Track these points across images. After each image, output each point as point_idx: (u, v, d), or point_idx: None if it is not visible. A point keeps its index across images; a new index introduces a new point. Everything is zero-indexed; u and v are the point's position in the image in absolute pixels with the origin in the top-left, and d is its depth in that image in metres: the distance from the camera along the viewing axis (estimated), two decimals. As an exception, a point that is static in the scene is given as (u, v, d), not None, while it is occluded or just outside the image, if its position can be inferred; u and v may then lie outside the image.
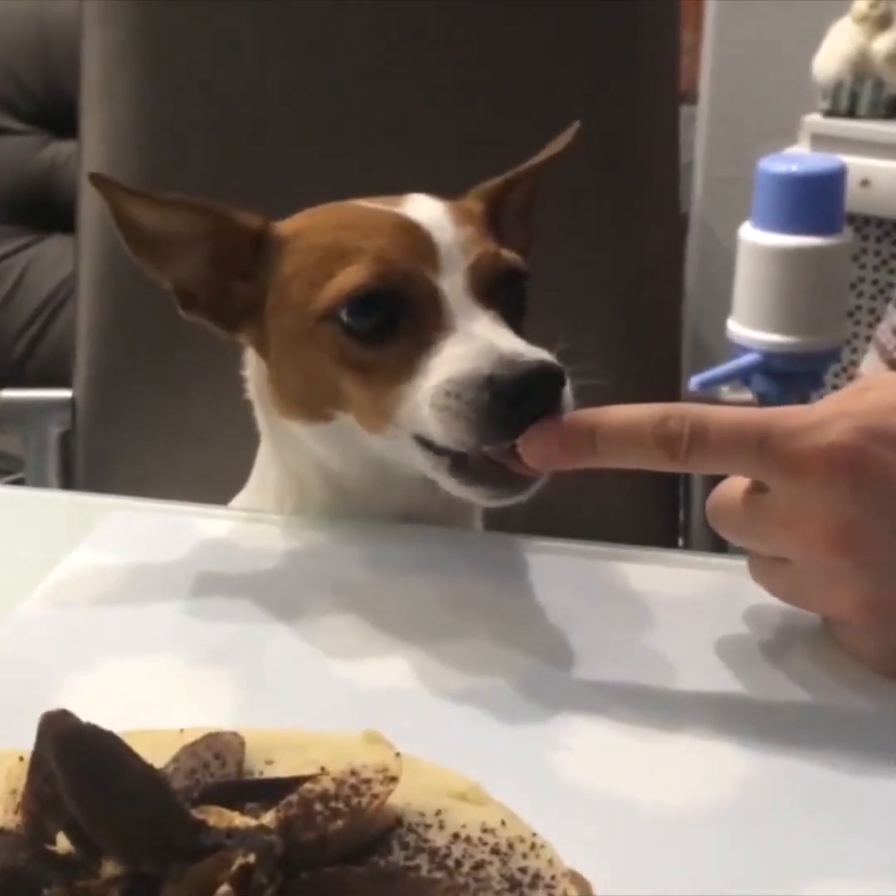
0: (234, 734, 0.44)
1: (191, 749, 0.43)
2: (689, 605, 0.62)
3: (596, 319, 1.14)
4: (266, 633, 0.60)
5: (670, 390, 1.17)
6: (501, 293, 0.67)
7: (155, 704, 0.54)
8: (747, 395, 1.29)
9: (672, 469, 0.56)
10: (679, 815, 0.47)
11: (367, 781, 0.40)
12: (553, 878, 0.38)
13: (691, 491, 1.14)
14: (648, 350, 1.17)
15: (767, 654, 0.58)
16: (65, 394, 1.14)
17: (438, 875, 0.38)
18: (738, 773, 0.49)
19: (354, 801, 0.39)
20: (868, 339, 2.22)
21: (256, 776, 0.43)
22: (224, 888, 0.35)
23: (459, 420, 0.60)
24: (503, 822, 0.41)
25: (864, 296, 2.26)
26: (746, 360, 2.00)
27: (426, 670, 0.57)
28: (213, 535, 0.70)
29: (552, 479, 0.62)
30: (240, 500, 0.81)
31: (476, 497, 0.64)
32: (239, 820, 0.38)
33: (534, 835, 0.40)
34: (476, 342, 0.62)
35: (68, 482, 1.14)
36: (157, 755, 0.41)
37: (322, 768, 0.41)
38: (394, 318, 0.65)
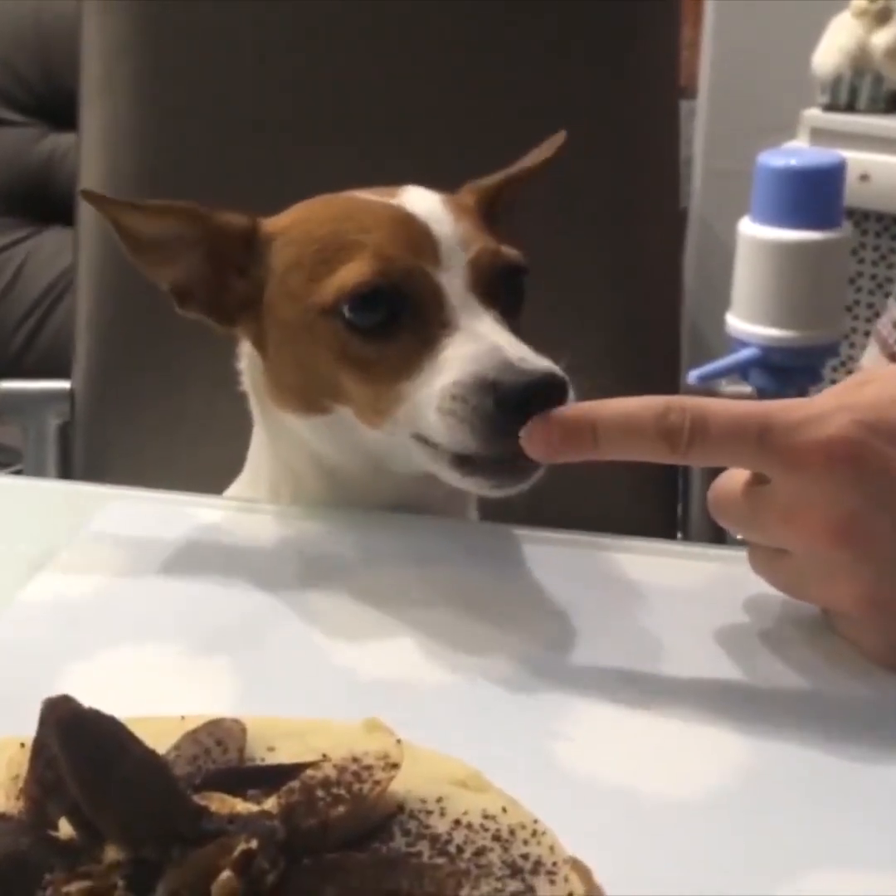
0: (236, 721, 0.44)
1: (192, 736, 0.43)
2: (688, 595, 0.62)
3: (595, 313, 1.14)
4: (265, 623, 0.60)
5: (670, 384, 1.17)
6: (502, 289, 0.67)
7: (154, 693, 0.54)
8: (746, 389, 1.29)
9: (672, 461, 0.56)
10: (678, 803, 0.47)
11: (369, 768, 0.40)
12: (554, 864, 0.38)
13: (690, 484, 1.14)
14: (648, 344, 1.17)
15: (766, 643, 0.58)
16: (63, 385, 1.14)
17: (440, 861, 0.38)
18: (737, 761, 0.50)
19: (356, 787, 0.39)
20: (867, 333, 2.22)
21: (258, 763, 0.43)
22: (226, 873, 0.35)
23: (464, 424, 0.61)
24: (504, 809, 0.41)
25: (862, 290, 2.26)
26: (745, 354, 2.00)
27: (425, 660, 0.57)
28: (211, 525, 0.70)
29: (551, 468, 0.62)
30: (232, 492, 0.81)
31: (477, 488, 0.64)
32: (241, 806, 0.38)
33: (535, 821, 0.41)
34: (481, 343, 0.62)
35: (67, 473, 1.14)
36: (158, 742, 0.41)
37: (323, 755, 0.42)
38: (396, 315, 0.65)
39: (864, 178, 2.13)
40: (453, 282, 0.65)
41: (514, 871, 0.38)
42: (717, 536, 1.04)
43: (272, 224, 0.71)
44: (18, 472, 1.28)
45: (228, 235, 0.70)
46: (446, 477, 0.65)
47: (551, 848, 0.39)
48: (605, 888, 0.40)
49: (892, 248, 2.23)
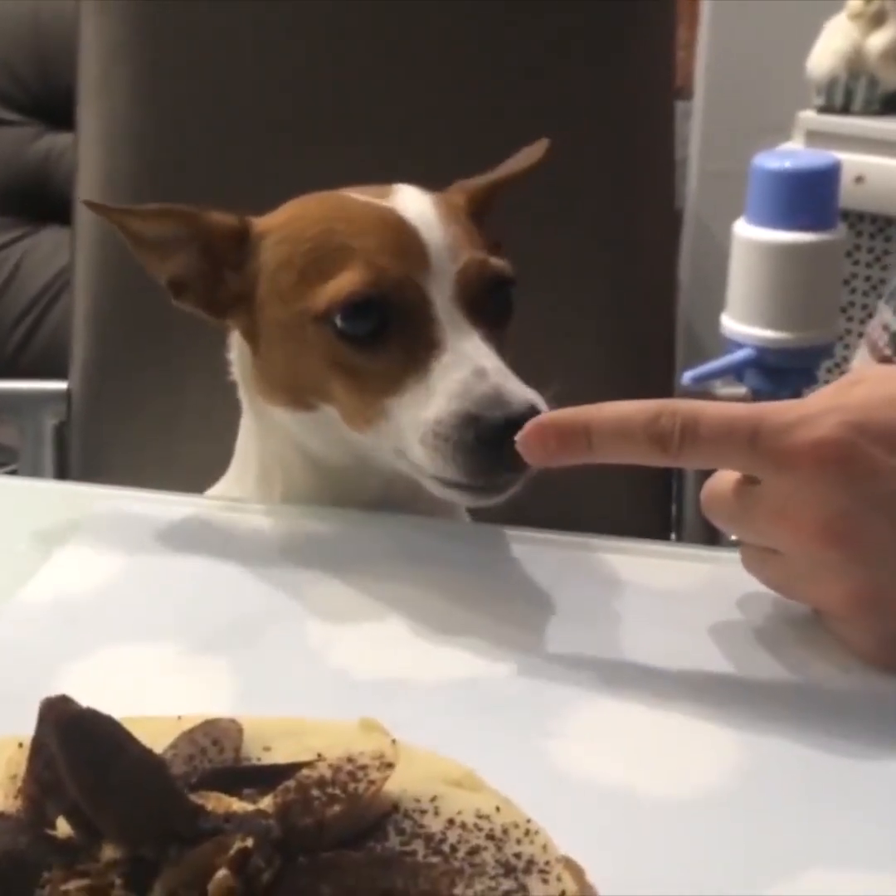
0: (232, 721, 0.45)
1: (189, 736, 0.43)
2: (682, 596, 0.62)
3: (591, 314, 1.15)
4: (262, 622, 0.60)
5: (665, 384, 1.17)
6: (489, 301, 0.68)
7: (151, 692, 0.54)
8: (741, 391, 1.29)
9: (665, 464, 0.56)
10: (674, 803, 0.47)
11: (364, 768, 0.41)
12: (547, 863, 0.39)
13: (684, 485, 1.14)
14: (643, 345, 1.18)
15: (760, 643, 0.58)
16: (60, 385, 1.15)
17: (434, 860, 0.38)
18: (732, 760, 0.50)
19: (351, 787, 0.40)
20: (861, 335, 2.22)
21: (254, 762, 0.43)
22: (222, 872, 0.36)
23: (446, 457, 0.63)
24: (498, 809, 0.41)
25: (857, 292, 2.27)
26: (740, 355, 2.00)
27: (420, 660, 0.57)
28: (208, 526, 0.70)
29: (528, 482, 0.64)
30: (220, 488, 0.81)
31: (457, 499, 0.66)
32: (237, 805, 0.39)
33: (528, 821, 0.41)
34: (463, 369, 0.63)
35: (63, 473, 1.14)
36: (155, 742, 0.41)
37: (319, 755, 0.42)
38: (386, 324, 0.66)
39: (858, 180, 2.14)
40: (441, 293, 0.66)
41: (508, 869, 0.38)
42: (711, 538, 1.05)
43: (264, 222, 0.72)
44: (14, 472, 1.28)
45: (220, 234, 0.71)
46: (427, 486, 0.66)
47: (544, 847, 0.40)
48: (600, 888, 0.40)
49: (887, 249, 2.23)
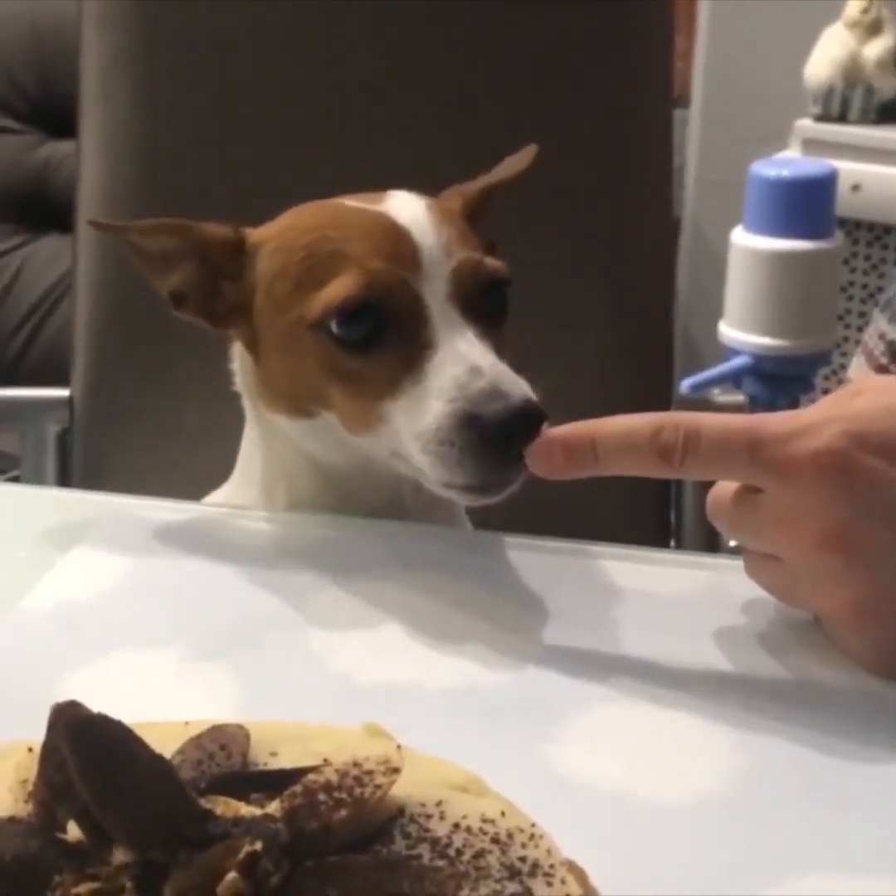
0: (239, 726, 0.45)
1: (196, 741, 0.44)
2: (681, 602, 0.63)
3: (589, 322, 1.15)
4: (263, 628, 0.60)
5: (663, 392, 1.18)
6: (484, 301, 0.68)
7: (154, 698, 0.54)
8: (739, 398, 1.30)
9: (669, 476, 0.58)
10: (673, 807, 0.48)
11: (370, 773, 0.41)
12: (551, 866, 0.39)
13: (683, 494, 1.15)
14: (641, 352, 1.18)
15: (759, 649, 0.59)
16: (62, 392, 1.15)
17: (440, 863, 0.39)
18: (731, 764, 0.50)
19: (357, 791, 0.40)
20: (858, 342, 2.22)
21: (261, 768, 0.44)
22: (231, 875, 0.36)
23: (451, 462, 0.63)
24: (503, 813, 0.42)
25: (854, 299, 2.27)
26: (737, 362, 2.01)
27: (421, 666, 0.57)
28: (210, 532, 0.71)
29: (525, 481, 0.64)
30: (223, 494, 0.82)
31: (457, 497, 0.66)
32: (245, 809, 0.39)
33: (532, 825, 0.41)
34: (458, 367, 0.64)
35: (65, 481, 1.14)
36: (163, 747, 0.41)
37: (325, 760, 0.42)
38: (381, 328, 0.66)
39: (855, 188, 2.15)
40: (435, 293, 0.66)
41: (513, 873, 0.39)
42: (710, 545, 1.05)
43: (259, 233, 0.73)
44: (15, 479, 1.28)
45: (216, 245, 0.72)
46: (428, 485, 0.67)
47: (548, 851, 0.40)
48: (603, 891, 0.40)
49: (883, 257, 2.24)
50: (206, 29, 1.11)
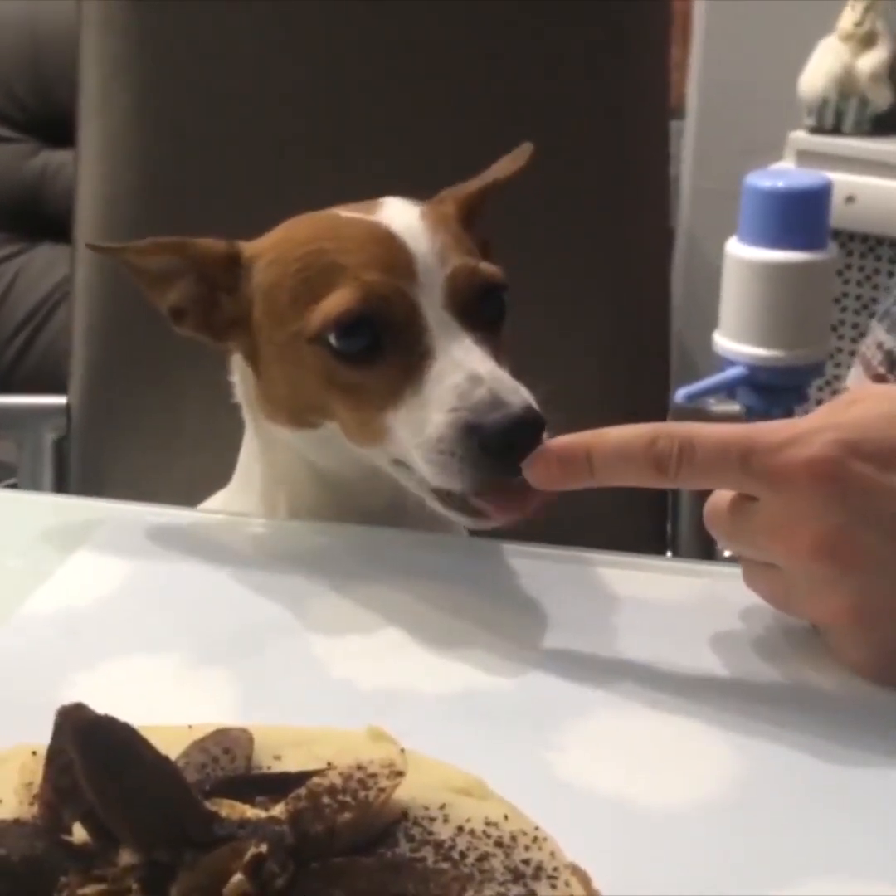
0: (243, 730, 0.45)
1: (200, 744, 0.44)
2: (680, 609, 0.63)
3: (585, 331, 1.15)
4: (264, 634, 0.61)
5: (659, 401, 1.18)
6: (481, 307, 0.68)
7: (155, 703, 0.54)
8: (735, 408, 1.30)
9: (664, 486, 0.58)
10: (673, 813, 0.48)
11: (374, 776, 0.41)
12: (555, 869, 0.39)
13: (679, 504, 1.15)
14: (637, 361, 1.18)
15: (757, 655, 0.59)
16: (59, 400, 1.15)
17: (444, 866, 0.39)
18: (730, 770, 0.51)
19: (361, 794, 0.40)
20: (852, 353, 2.24)
21: (264, 771, 0.44)
22: (237, 877, 0.36)
23: (452, 471, 0.63)
24: (506, 816, 0.42)
25: (848, 311, 2.28)
26: (732, 373, 2.02)
27: (422, 671, 0.58)
28: (209, 538, 0.71)
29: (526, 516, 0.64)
30: (220, 500, 0.82)
31: (458, 519, 0.67)
32: (250, 812, 0.39)
33: (536, 828, 0.42)
34: (457, 375, 0.64)
35: (62, 488, 1.14)
36: (167, 750, 0.41)
37: (328, 763, 0.43)
38: (379, 338, 0.66)
39: (849, 200, 2.15)
40: (432, 302, 0.67)
41: (517, 876, 0.39)
42: (706, 556, 1.06)
43: (255, 246, 0.73)
44: (13, 487, 1.28)
45: (212, 261, 0.73)
46: (430, 504, 0.67)
47: (552, 854, 0.40)
48: (603, 895, 0.41)
49: (877, 269, 2.25)
50: (206, 36, 1.12)
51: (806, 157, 2.25)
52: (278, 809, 0.40)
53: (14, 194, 2.12)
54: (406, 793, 0.42)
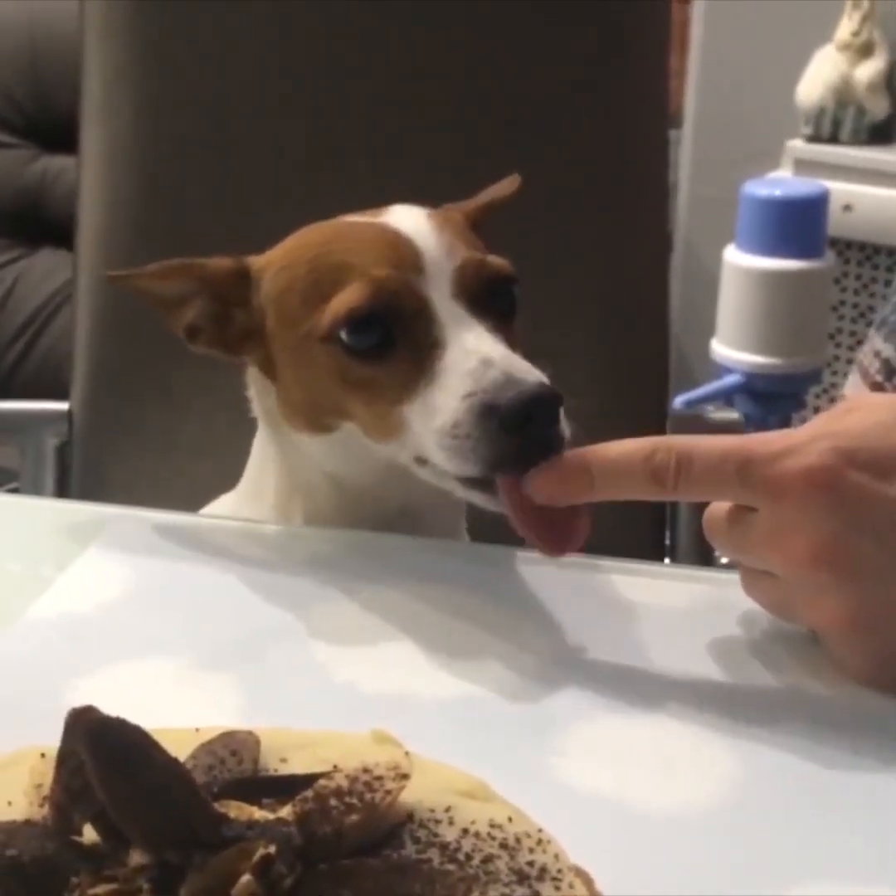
0: (249, 733, 0.46)
1: (207, 747, 0.45)
2: (680, 614, 0.64)
3: (583, 337, 1.16)
4: (268, 639, 0.61)
5: (658, 409, 1.18)
6: (490, 299, 0.69)
7: (159, 707, 0.54)
8: (733, 415, 1.31)
9: (663, 499, 0.59)
10: (673, 816, 0.48)
11: (380, 778, 0.42)
12: (559, 871, 0.40)
13: (678, 514, 1.15)
14: (636, 368, 1.19)
15: (757, 660, 0.60)
16: (61, 406, 1.15)
17: (449, 867, 0.39)
18: (730, 774, 0.51)
19: (368, 796, 0.41)
20: (849, 361, 2.25)
21: (271, 773, 0.44)
22: (246, 877, 0.37)
23: (468, 454, 0.63)
24: (510, 819, 0.42)
25: (845, 319, 2.29)
26: (729, 380, 2.02)
27: (426, 675, 0.58)
28: (213, 543, 0.71)
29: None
30: (225, 505, 0.82)
31: (481, 501, 0.66)
32: (258, 814, 0.40)
33: (540, 830, 0.42)
34: (469, 361, 0.64)
35: (64, 494, 1.14)
36: (174, 753, 0.41)
37: (335, 766, 0.43)
38: (390, 333, 0.67)
39: (846, 208, 2.16)
40: (441, 294, 0.67)
41: (521, 877, 0.39)
42: (705, 566, 1.06)
43: (264, 258, 0.74)
44: (15, 491, 1.28)
45: (222, 278, 0.73)
46: (451, 488, 0.67)
47: (556, 856, 0.41)
48: (604, 897, 0.41)
49: (874, 277, 2.26)
50: (208, 43, 1.12)
51: (803, 165, 2.26)
52: (286, 811, 0.40)
53: (14, 199, 2.13)
54: (411, 795, 0.42)
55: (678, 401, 1.86)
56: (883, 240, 2.21)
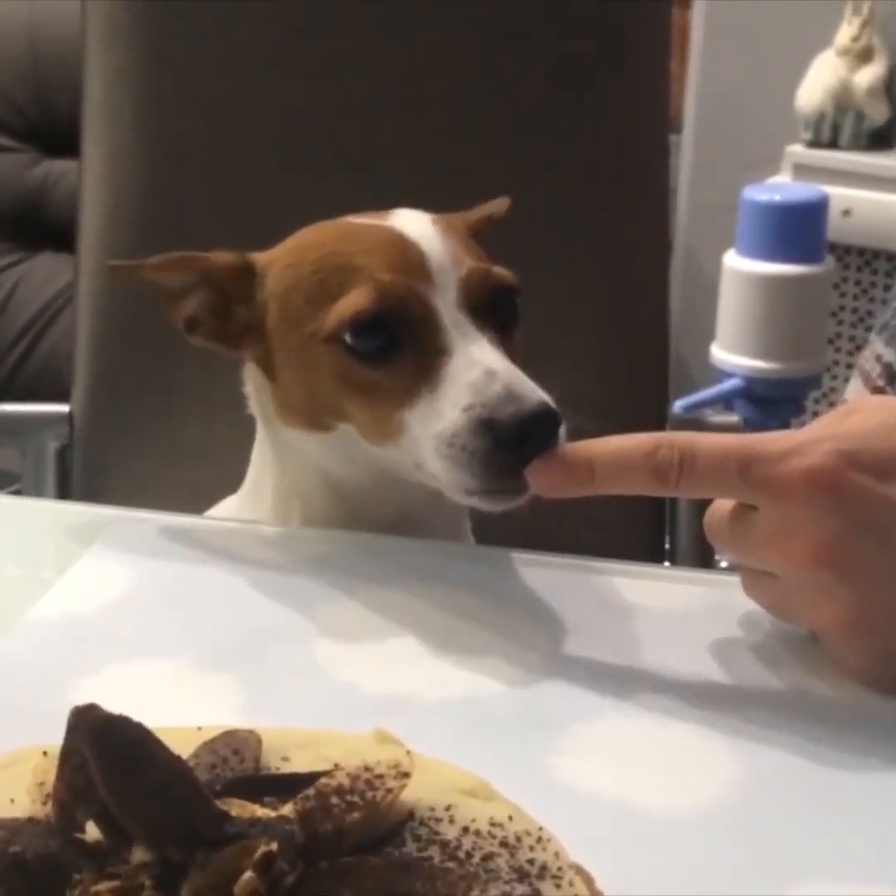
0: (251, 732, 0.46)
1: (210, 746, 0.45)
2: (680, 616, 0.64)
3: (583, 342, 1.16)
4: (269, 639, 0.61)
5: (657, 412, 1.18)
6: (494, 309, 0.69)
7: (160, 707, 0.54)
8: (732, 419, 1.31)
9: (664, 495, 0.59)
10: (674, 817, 0.49)
11: (381, 777, 0.42)
12: (559, 869, 0.40)
13: (678, 517, 1.15)
14: (636, 373, 1.19)
15: (757, 661, 0.60)
16: (62, 408, 1.15)
17: (450, 865, 0.40)
18: (730, 775, 0.51)
19: (369, 795, 0.41)
20: (849, 366, 2.25)
21: (273, 772, 0.45)
22: (248, 874, 0.37)
23: (464, 467, 0.63)
24: (511, 817, 0.43)
25: (844, 323, 2.29)
26: (729, 384, 2.03)
27: (426, 676, 0.58)
28: (215, 545, 0.71)
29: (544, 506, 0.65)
30: (229, 507, 0.82)
31: (479, 504, 0.67)
32: (260, 811, 0.40)
33: (540, 829, 0.42)
34: (473, 371, 0.64)
35: (65, 497, 1.14)
36: (177, 751, 0.42)
37: (336, 765, 0.43)
38: (394, 338, 0.67)
39: (846, 213, 2.17)
40: (446, 301, 0.67)
41: (522, 875, 0.40)
42: (704, 567, 1.06)
43: (269, 255, 0.74)
44: (17, 493, 1.28)
45: (225, 273, 0.73)
46: (447, 492, 0.67)
47: (556, 854, 0.41)
48: (604, 896, 0.41)
49: (874, 282, 2.26)
50: (210, 48, 1.12)
51: (803, 170, 2.26)
52: (287, 809, 0.40)
53: (15, 203, 2.13)
54: (412, 794, 0.43)
55: (678, 405, 1.85)
56: (882, 245, 2.21)
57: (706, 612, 0.64)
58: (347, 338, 0.67)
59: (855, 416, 0.58)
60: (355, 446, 0.70)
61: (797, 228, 2.00)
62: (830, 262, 2.07)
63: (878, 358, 0.83)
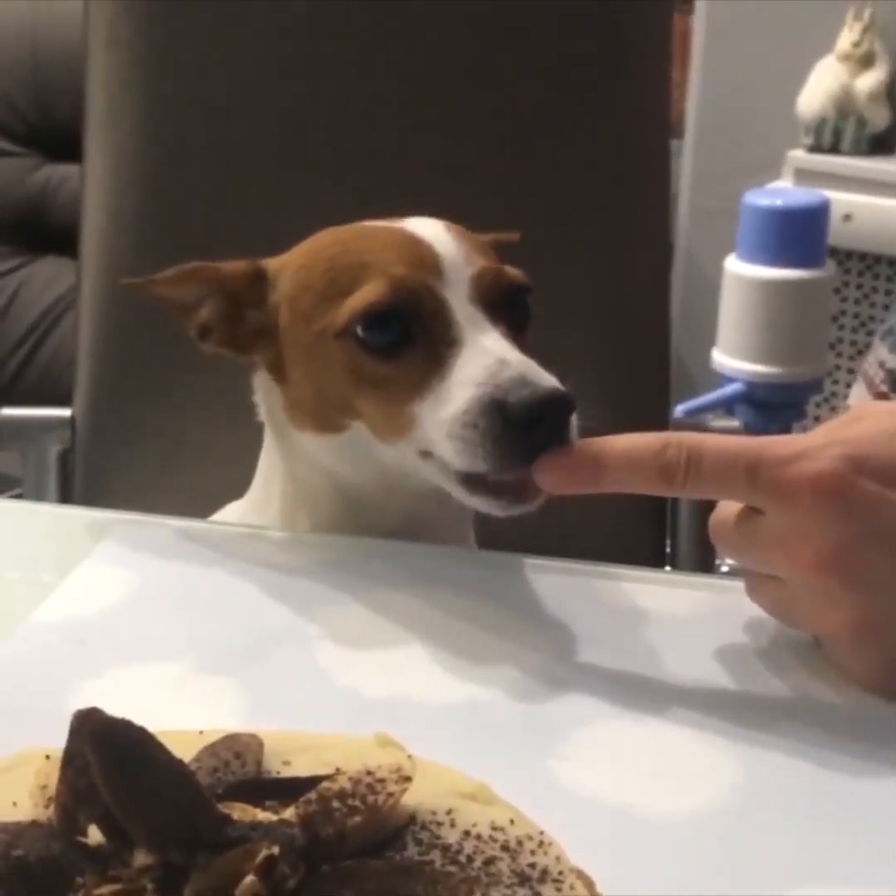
0: (253, 736, 0.46)
1: (211, 749, 0.45)
2: (682, 620, 0.64)
3: (584, 346, 1.16)
4: (271, 643, 0.61)
5: (659, 417, 1.18)
6: (506, 307, 0.69)
7: (161, 711, 0.54)
8: (734, 423, 1.31)
9: (670, 495, 0.59)
10: (674, 821, 0.49)
11: (382, 781, 0.42)
12: (560, 873, 0.40)
13: (679, 521, 1.15)
14: (637, 377, 1.19)
15: (759, 666, 0.60)
16: (64, 412, 1.15)
17: (451, 869, 0.40)
18: (731, 779, 0.51)
19: (370, 798, 0.41)
20: (850, 371, 2.25)
21: (274, 776, 0.45)
22: (250, 878, 0.37)
23: (476, 448, 0.63)
24: (512, 821, 0.43)
25: (845, 328, 2.30)
26: (730, 389, 2.03)
27: (428, 680, 0.58)
28: (218, 549, 0.71)
29: (546, 507, 0.64)
30: (235, 511, 0.82)
31: (485, 507, 0.66)
32: (262, 815, 0.40)
33: (541, 833, 0.42)
34: (486, 358, 0.64)
35: (67, 500, 1.14)
36: (178, 755, 0.42)
37: (337, 769, 0.43)
38: (407, 332, 0.67)
39: (847, 218, 2.17)
40: (458, 297, 0.67)
41: (523, 879, 0.40)
42: (705, 570, 1.06)
43: (280, 259, 0.74)
44: (19, 497, 1.28)
45: (237, 280, 0.74)
46: (456, 494, 0.67)
47: (557, 858, 0.41)
48: (606, 900, 0.41)
49: (875, 287, 2.26)
50: (212, 53, 1.12)
51: (804, 175, 2.26)
52: (289, 813, 0.41)
53: (17, 208, 2.14)
54: (414, 798, 0.43)
55: (679, 410, 1.86)
56: (883, 249, 2.22)
57: (708, 617, 0.64)
58: (359, 331, 0.68)
59: (862, 422, 0.58)
60: (364, 448, 0.70)
61: (798, 233, 2.00)
62: (831, 267, 2.07)
63: (882, 363, 0.83)
